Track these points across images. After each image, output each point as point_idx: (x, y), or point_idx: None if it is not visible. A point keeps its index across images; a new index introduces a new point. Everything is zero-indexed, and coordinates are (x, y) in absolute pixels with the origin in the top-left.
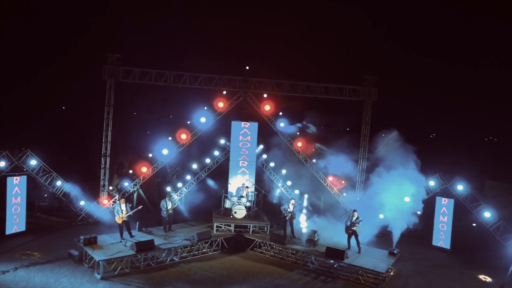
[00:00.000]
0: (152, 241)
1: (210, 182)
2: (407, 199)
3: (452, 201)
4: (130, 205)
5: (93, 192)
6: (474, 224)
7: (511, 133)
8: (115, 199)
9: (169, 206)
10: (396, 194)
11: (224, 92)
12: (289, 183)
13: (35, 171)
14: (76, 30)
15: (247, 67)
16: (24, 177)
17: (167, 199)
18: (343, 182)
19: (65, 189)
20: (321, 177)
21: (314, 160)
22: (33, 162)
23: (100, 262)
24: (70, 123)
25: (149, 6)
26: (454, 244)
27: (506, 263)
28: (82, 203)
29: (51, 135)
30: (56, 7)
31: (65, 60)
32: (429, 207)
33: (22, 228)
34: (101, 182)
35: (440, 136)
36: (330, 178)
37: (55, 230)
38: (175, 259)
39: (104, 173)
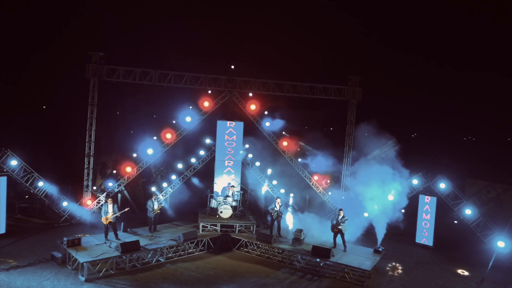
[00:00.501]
0: (137, 241)
1: (196, 182)
2: (390, 197)
3: (434, 199)
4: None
5: (76, 193)
6: (455, 222)
7: (488, 132)
8: (99, 200)
9: (156, 206)
10: (380, 192)
11: (209, 92)
12: (274, 182)
13: (16, 171)
14: (56, 28)
15: (232, 66)
16: (4, 178)
17: (153, 199)
18: (328, 181)
19: (47, 190)
20: (306, 176)
21: (299, 159)
22: (13, 163)
23: (84, 264)
24: (52, 123)
25: (131, 3)
26: (437, 241)
27: (486, 258)
28: (65, 204)
29: (32, 134)
30: (34, 4)
31: (46, 58)
32: (412, 205)
33: (2, 230)
34: (85, 183)
35: (422, 135)
36: (316, 177)
37: (36, 232)
38: (161, 259)
39: (88, 173)
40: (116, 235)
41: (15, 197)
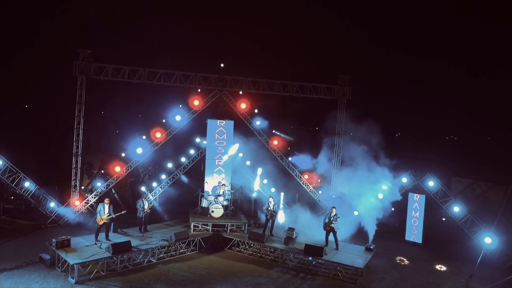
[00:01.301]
0: (128, 242)
1: (186, 181)
2: (380, 196)
3: (423, 197)
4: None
5: (62, 193)
6: (443, 219)
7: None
8: (88, 200)
9: (146, 206)
10: (370, 191)
11: (199, 90)
12: (265, 181)
13: (1, 172)
14: (41, 24)
15: (222, 65)
16: None
17: (143, 198)
18: (318, 180)
19: (34, 191)
20: (297, 175)
21: (290, 158)
22: None
23: (74, 265)
24: (38, 122)
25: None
26: (426, 238)
27: (474, 254)
28: (52, 204)
29: (17, 134)
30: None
31: (32, 55)
32: (400, 203)
33: None
34: (72, 183)
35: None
36: (306, 176)
37: (23, 233)
38: (153, 260)
39: (76, 173)
40: (107, 236)
41: (0, 198)
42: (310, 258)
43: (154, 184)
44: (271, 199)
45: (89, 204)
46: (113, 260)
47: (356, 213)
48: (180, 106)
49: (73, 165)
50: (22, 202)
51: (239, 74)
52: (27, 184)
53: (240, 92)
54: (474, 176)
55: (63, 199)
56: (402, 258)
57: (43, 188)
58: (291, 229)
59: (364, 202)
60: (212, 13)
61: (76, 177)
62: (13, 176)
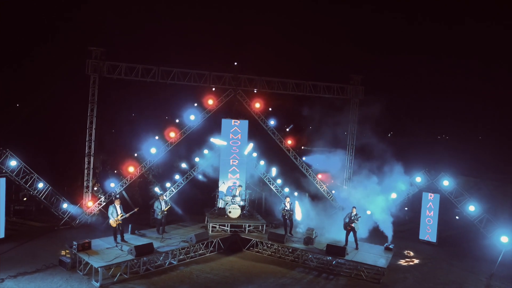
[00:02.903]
0: (151, 244)
1: (200, 182)
2: (393, 195)
3: (438, 196)
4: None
5: (72, 194)
6: (457, 217)
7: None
8: (101, 201)
9: (163, 207)
10: (383, 190)
11: (213, 89)
12: (279, 181)
13: (15, 172)
14: (55, 24)
15: (236, 63)
16: (3, 180)
17: (160, 199)
18: (332, 180)
19: (47, 191)
20: (311, 175)
21: (303, 158)
22: (13, 163)
23: (99, 269)
24: (50, 122)
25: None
26: (439, 237)
27: (489, 253)
28: (64, 206)
29: (30, 134)
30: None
31: (45, 55)
32: (413, 202)
33: (1, 235)
34: (85, 183)
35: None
36: (319, 176)
37: (36, 235)
38: (173, 262)
39: (88, 174)
40: (123, 237)
41: (10, 199)
42: (329, 258)
43: (168, 185)
44: (287, 199)
45: (102, 205)
46: (135, 262)
47: (368, 212)
48: (195, 104)
49: (85, 165)
50: (32, 203)
51: (253, 74)
52: (40, 185)
53: (255, 91)
54: (480, 176)
55: (73, 200)
56: (418, 257)
57: (54, 189)
58: (310, 229)
59: (378, 201)
60: (226, 15)
61: (89, 178)
62: (26, 177)
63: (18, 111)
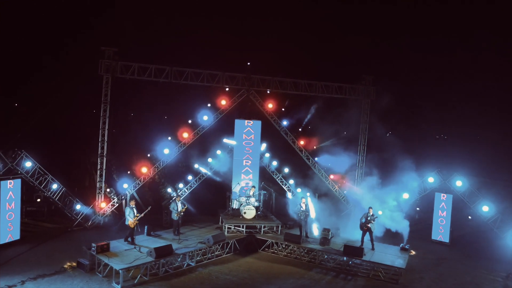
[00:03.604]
0: (170, 246)
1: (211, 182)
2: (405, 195)
3: (450, 196)
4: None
5: (83, 195)
6: (469, 217)
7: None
8: (114, 202)
9: (180, 208)
10: (395, 191)
11: (227, 89)
12: (291, 181)
13: (30, 173)
14: (70, 27)
15: (248, 63)
16: (18, 181)
17: (177, 201)
18: (344, 181)
19: (60, 192)
20: (323, 175)
21: (315, 158)
22: (28, 164)
23: (120, 271)
24: (62, 122)
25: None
26: (451, 237)
27: (504, 253)
28: (78, 207)
29: (43, 134)
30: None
31: (60, 57)
32: (425, 202)
33: (17, 236)
34: (98, 184)
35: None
36: (332, 176)
37: (50, 237)
38: (191, 263)
39: (101, 175)
40: (133, 239)
41: (22, 200)
42: (345, 259)
43: (180, 185)
44: (303, 200)
45: (115, 207)
46: (154, 264)
47: (380, 212)
48: (209, 105)
49: (98, 166)
50: (44, 204)
51: (265, 74)
52: (54, 186)
53: (268, 91)
54: (488, 176)
55: (83, 201)
56: (432, 257)
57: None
58: (326, 230)
59: (390, 201)
60: (239, 14)
61: (102, 179)
62: (40, 178)
63: (33, 112)
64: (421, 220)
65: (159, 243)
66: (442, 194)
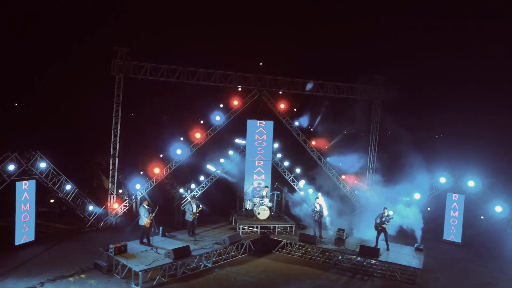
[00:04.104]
0: (187, 247)
1: (221, 182)
2: (417, 196)
3: (462, 196)
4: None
5: (92, 196)
6: (482, 217)
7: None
8: (127, 203)
9: (195, 209)
10: (407, 190)
11: (240, 89)
12: (302, 182)
13: (44, 174)
14: (84, 28)
15: (261, 64)
16: (33, 181)
17: (191, 202)
18: (355, 181)
19: (74, 193)
20: (334, 175)
21: (327, 159)
22: (42, 165)
23: (139, 272)
24: (75, 122)
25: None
26: (463, 237)
27: None
28: (90, 208)
29: (56, 135)
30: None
31: (75, 57)
32: (436, 202)
33: (32, 237)
34: (110, 185)
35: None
36: (343, 177)
37: (64, 238)
38: (208, 264)
39: (113, 175)
40: (149, 240)
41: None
42: (359, 259)
43: (193, 186)
44: (317, 200)
45: (127, 208)
46: (172, 265)
47: (391, 212)
48: (221, 105)
49: (110, 167)
50: (56, 205)
51: (277, 74)
52: (68, 187)
53: (280, 92)
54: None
55: (93, 202)
56: (445, 257)
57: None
58: (341, 230)
59: (402, 202)
60: (250, 15)
61: (114, 179)
62: (54, 179)
63: (47, 113)
64: (431, 220)
65: (175, 244)
66: (454, 194)
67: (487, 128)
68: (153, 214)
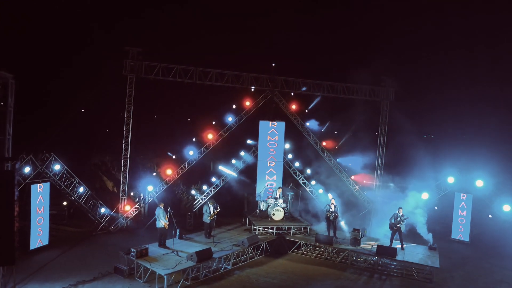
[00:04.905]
0: (209, 249)
1: (231, 184)
2: (425, 195)
3: (470, 196)
4: None
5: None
6: (490, 216)
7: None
8: (139, 205)
9: (212, 211)
10: (415, 190)
11: (252, 89)
12: (313, 182)
13: (58, 177)
14: (98, 30)
15: (273, 64)
16: (47, 184)
17: (209, 203)
18: (364, 181)
19: (87, 196)
20: (344, 176)
21: (338, 160)
22: (56, 167)
23: (164, 276)
24: (88, 124)
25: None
26: (471, 236)
27: None
28: (102, 210)
29: (68, 137)
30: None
31: (86, 58)
32: (443, 202)
33: (46, 241)
34: (121, 187)
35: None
36: (352, 177)
37: (77, 241)
38: (227, 266)
39: (125, 177)
40: (165, 242)
41: None
42: (375, 258)
43: (204, 187)
44: (333, 201)
45: (137, 211)
46: (193, 268)
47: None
48: (234, 106)
49: (122, 168)
50: (66, 208)
51: (289, 75)
52: (81, 189)
53: (292, 94)
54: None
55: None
56: (456, 256)
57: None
58: (356, 230)
59: (410, 201)
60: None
61: (125, 181)
62: (67, 181)
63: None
64: (438, 219)
65: (194, 246)
66: (462, 194)
67: (494, 127)
68: (169, 216)
